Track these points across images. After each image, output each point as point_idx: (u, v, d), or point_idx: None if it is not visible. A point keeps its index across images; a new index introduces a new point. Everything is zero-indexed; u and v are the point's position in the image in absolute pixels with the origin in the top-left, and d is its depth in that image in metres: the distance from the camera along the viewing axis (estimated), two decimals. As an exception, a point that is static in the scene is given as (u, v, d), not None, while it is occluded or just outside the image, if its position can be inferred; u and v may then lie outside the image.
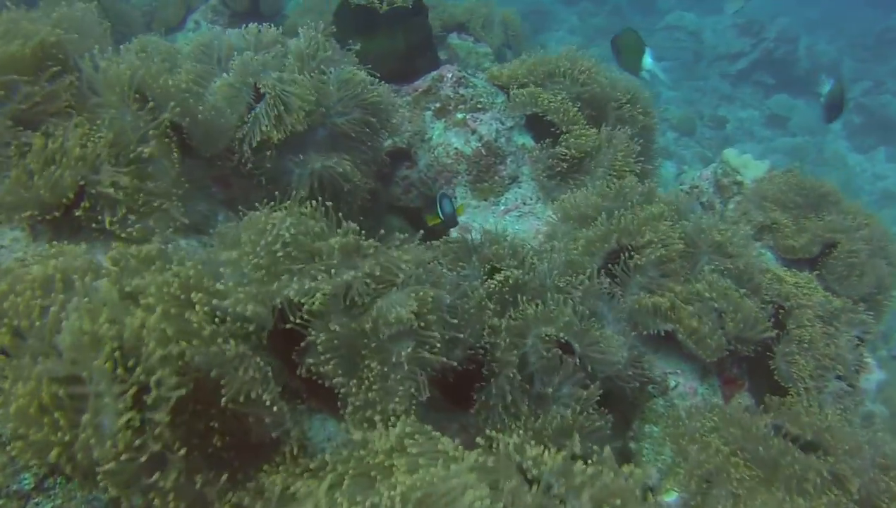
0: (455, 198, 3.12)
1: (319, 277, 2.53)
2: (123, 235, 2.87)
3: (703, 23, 17.31)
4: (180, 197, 3.04)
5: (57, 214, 2.87)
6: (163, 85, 3.07)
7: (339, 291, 2.56)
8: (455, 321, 2.89)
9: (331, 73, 3.88)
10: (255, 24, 4.10)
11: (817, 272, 4.58)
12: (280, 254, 2.58)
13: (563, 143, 4.32)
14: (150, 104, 3.08)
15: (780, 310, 3.99)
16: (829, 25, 20.59)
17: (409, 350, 2.61)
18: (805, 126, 14.02)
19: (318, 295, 2.50)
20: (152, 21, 8.10)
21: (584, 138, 4.32)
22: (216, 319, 2.33)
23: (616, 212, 3.89)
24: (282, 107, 3.56)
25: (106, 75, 3.05)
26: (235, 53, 3.68)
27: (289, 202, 2.90)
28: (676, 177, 9.89)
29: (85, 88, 3.08)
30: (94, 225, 2.91)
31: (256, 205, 2.94)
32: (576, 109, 4.44)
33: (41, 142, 2.86)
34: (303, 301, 2.50)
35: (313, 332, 2.52)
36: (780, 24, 16.22)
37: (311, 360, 2.54)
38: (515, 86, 4.67)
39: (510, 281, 3.36)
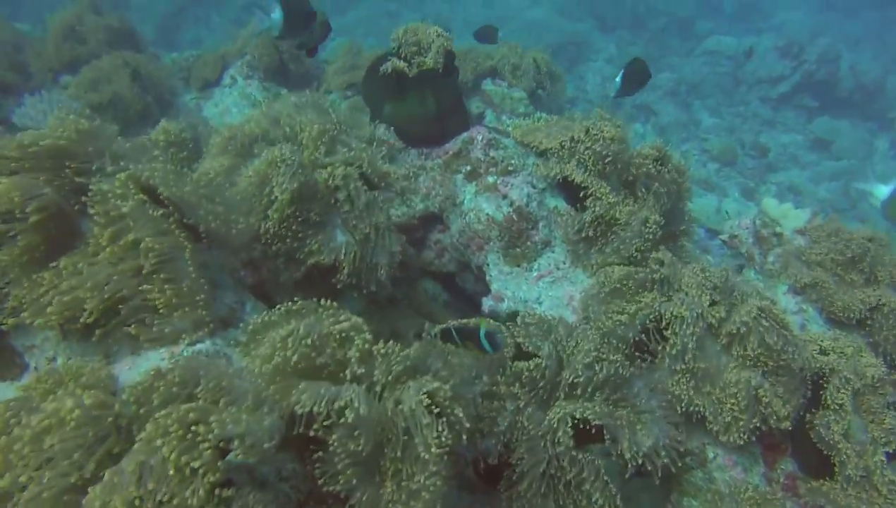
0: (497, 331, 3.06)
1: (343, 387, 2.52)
2: (150, 338, 2.89)
3: (742, 46, 17.07)
4: (203, 300, 3.02)
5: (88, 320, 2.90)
6: (175, 192, 3.08)
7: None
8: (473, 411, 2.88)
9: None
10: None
11: (866, 330, 4.46)
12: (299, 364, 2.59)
13: (590, 209, 4.26)
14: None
15: (822, 380, 3.88)
16: (873, 41, 20.19)
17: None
18: (850, 148, 13.70)
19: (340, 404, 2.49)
20: (190, 77, 8.24)
21: (610, 206, 4.27)
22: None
23: (650, 282, 3.85)
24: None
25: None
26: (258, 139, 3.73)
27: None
28: (717, 210, 9.71)
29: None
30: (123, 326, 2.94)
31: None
32: (605, 185, 4.38)
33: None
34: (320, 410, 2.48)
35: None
36: (821, 45, 15.90)
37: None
38: (541, 151, 4.65)
39: (538, 369, 3.34)
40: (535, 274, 4.39)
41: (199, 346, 2.88)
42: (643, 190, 4.52)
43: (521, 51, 8.07)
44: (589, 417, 3.22)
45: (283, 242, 3.65)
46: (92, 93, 6.83)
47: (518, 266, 4.44)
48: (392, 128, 5.00)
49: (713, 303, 3.79)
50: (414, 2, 19.10)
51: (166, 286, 2.88)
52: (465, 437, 2.64)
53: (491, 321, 3.32)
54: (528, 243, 4.46)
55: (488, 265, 4.48)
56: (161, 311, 2.86)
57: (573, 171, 4.34)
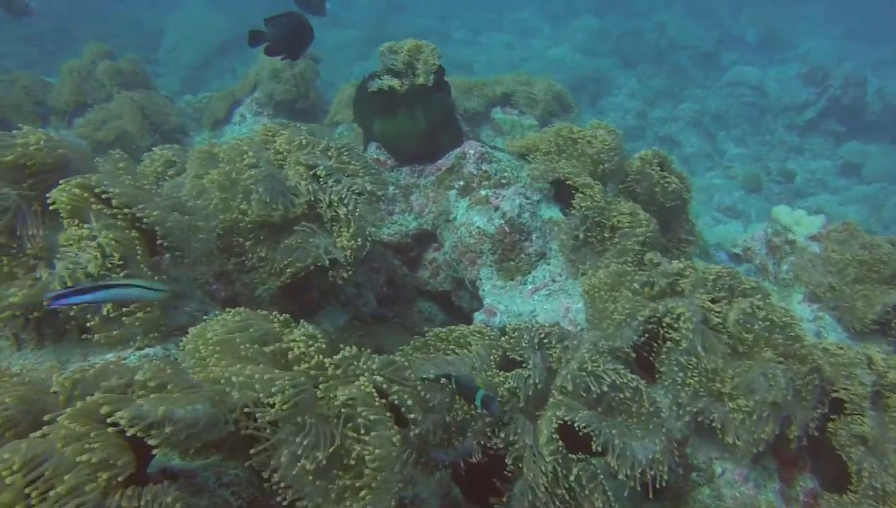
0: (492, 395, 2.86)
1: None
2: (102, 340, 2.73)
3: (765, 75, 16.81)
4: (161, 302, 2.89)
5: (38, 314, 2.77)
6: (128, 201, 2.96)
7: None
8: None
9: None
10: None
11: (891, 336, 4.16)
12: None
13: (580, 208, 4.04)
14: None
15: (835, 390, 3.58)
16: (900, 65, 19.81)
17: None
18: (880, 172, 13.29)
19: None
20: (202, 116, 8.24)
21: (604, 206, 4.04)
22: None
23: (648, 285, 3.60)
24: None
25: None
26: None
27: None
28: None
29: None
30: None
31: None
32: (597, 184, 4.17)
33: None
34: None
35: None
36: (846, 69, 15.60)
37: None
38: (537, 156, 4.46)
39: (519, 380, 3.11)
40: (529, 287, 4.16)
41: (147, 351, 2.71)
42: (642, 195, 4.30)
43: (533, 79, 7.93)
44: (576, 422, 2.97)
45: (256, 254, 3.49)
46: (99, 132, 6.83)
47: (512, 279, 4.21)
48: (383, 146, 4.85)
49: (715, 301, 3.53)
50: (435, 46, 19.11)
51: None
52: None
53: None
54: (522, 255, 4.24)
55: (481, 279, 4.27)
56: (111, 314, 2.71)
57: (564, 169, 4.13)
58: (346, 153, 4.02)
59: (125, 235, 2.90)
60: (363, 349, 2.76)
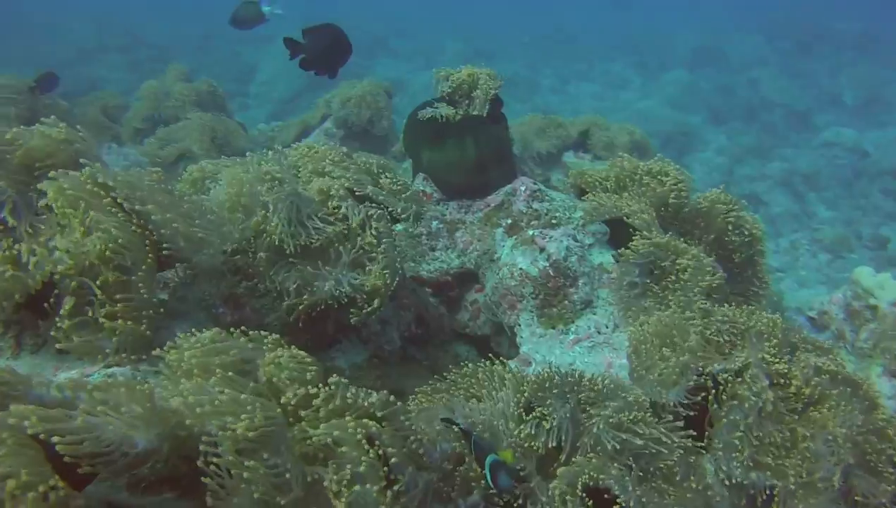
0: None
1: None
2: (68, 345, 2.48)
3: (863, 138, 15.92)
4: (150, 318, 2.62)
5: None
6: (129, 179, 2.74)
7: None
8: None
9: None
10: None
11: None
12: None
13: (634, 246, 3.63)
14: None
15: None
16: None
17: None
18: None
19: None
20: (272, 143, 8.15)
21: (656, 242, 3.62)
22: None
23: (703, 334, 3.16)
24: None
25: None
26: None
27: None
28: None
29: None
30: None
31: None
32: (660, 230, 3.76)
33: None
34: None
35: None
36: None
37: None
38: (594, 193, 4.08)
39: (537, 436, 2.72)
40: (571, 337, 3.74)
41: (114, 370, 2.43)
42: (709, 243, 3.87)
43: (613, 123, 7.55)
44: (601, 480, 2.56)
45: (269, 278, 3.21)
46: (163, 150, 6.78)
47: (553, 328, 3.81)
48: (431, 178, 4.54)
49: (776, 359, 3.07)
50: (523, 93, 18.96)
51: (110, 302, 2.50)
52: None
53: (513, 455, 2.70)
54: (566, 302, 3.84)
55: (520, 325, 3.87)
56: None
57: (622, 206, 3.74)
58: (386, 174, 3.74)
59: (130, 234, 2.67)
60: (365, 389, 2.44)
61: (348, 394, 2.32)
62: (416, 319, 3.75)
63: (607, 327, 3.76)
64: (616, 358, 3.58)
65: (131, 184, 2.81)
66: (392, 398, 2.45)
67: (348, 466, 2.16)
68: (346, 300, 3.24)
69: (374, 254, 3.32)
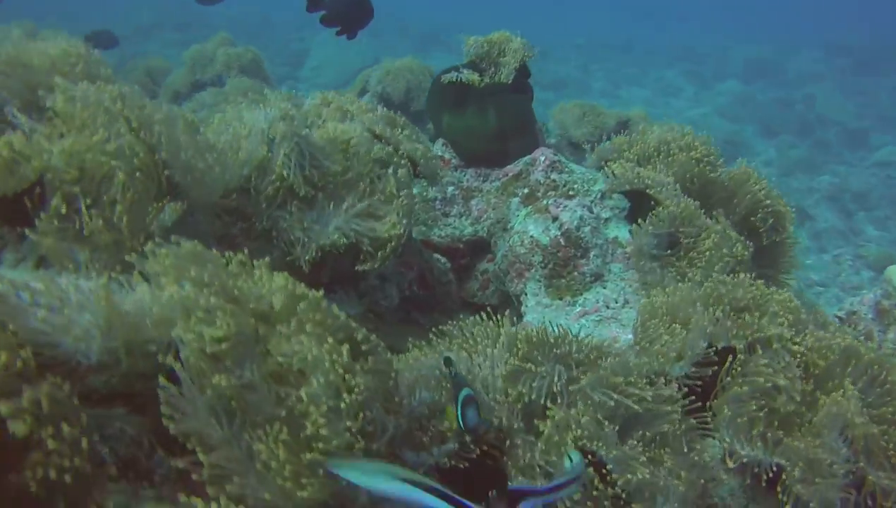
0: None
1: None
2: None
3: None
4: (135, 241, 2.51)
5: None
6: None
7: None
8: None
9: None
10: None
11: None
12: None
13: (654, 216, 3.46)
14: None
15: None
16: None
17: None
18: None
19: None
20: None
21: (678, 209, 3.44)
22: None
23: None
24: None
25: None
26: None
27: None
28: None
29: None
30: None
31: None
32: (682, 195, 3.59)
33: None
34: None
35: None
36: None
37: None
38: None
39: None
40: (578, 309, 3.57)
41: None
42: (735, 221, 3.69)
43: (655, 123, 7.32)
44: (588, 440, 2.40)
45: (270, 220, 3.11)
46: (201, 112, 6.75)
47: (560, 299, 3.64)
48: (450, 144, 4.40)
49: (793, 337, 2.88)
50: (573, 94, 18.68)
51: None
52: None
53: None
54: (575, 274, 3.67)
55: (526, 294, 3.72)
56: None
57: (644, 176, 3.56)
58: (405, 131, 3.62)
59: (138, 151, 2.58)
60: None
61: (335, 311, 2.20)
62: (418, 279, 3.62)
63: (616, 302, 3.58)
64: (623, 334, 3.40)
65: (143, 105, 2.73)
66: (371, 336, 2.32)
67: (322, 398, 2.03)
68: (342, 249, 3.12)
69: (390, 203, 3.21)
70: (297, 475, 1.91)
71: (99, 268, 2.40)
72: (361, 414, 2.14)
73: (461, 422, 2.24)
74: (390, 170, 3.26)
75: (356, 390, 2.13)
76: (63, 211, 2.41)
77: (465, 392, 2.30)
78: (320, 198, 3.22)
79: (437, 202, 4.22)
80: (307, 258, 3.08)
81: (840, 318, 4.57)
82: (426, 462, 2.39)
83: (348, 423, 2.05)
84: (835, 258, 11.43)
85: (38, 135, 2.53)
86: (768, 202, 3.79)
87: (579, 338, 2.85)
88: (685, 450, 2.65)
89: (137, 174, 2.57)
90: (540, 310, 3.61)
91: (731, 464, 2.71)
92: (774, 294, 3.12)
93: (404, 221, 3.15)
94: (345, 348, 2.14)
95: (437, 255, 4.15)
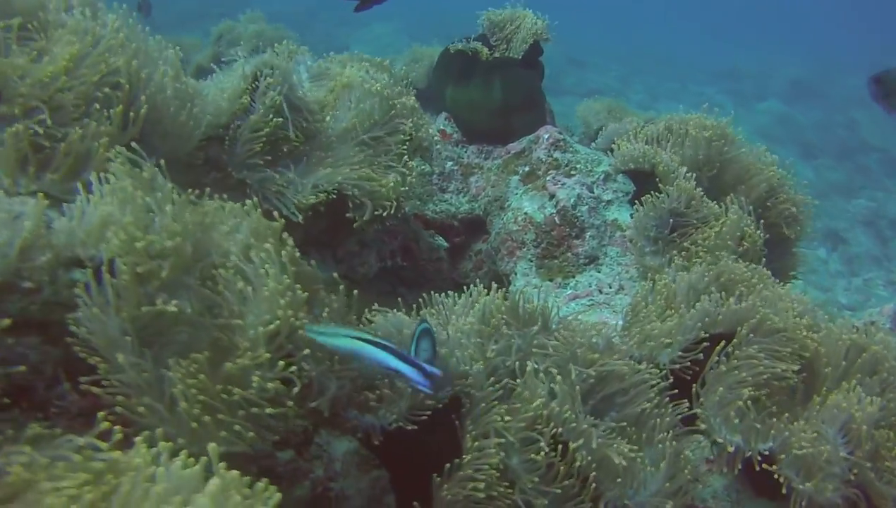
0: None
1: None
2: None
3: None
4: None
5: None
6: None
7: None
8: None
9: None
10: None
11: None
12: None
13: (656, 195, 3.22)
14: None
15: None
16: None
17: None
18: None
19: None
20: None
21: (684, 188, 3.20)
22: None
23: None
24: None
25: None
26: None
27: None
28: None
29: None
30: None
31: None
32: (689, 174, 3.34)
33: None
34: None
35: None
36: None
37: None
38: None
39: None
40: (569, 292, 3.33)
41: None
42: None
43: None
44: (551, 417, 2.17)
45: (250, 174, 2.93)
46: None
47: (551, 280, 3.41)
48: (453, 117, 4.19)
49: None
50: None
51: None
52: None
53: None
54: (569, 254, 3.43)
55: (516, 274, 3.49)
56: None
57: (654, 154, 3.32)
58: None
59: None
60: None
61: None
62: (402, 249, 3.40)
63: (611, 287, 3.34)
64: (614, 320, 3.15)
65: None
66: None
67: (261, 346, 1.85)
68: (323, 208, 2.93)
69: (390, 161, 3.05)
70: (212, 419, 1.72)
71: (47, 187, 2.24)
72: (295, 368, 1.95)
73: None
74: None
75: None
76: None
77: (422, 326, 2.09)
78: (305, 151, 3.05)
79: (435, 177, 4.02)
80: (285, 213, 2.89)
81: (857, 328, 4.27)
82: (371, 423, 2.18)
83: (274, 374, 1.86)
84: (865, 282, 11.01)
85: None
86: (786, 188, 3.53)
87: (560, 313, 2.63)
88: (667, 441, 2.41)
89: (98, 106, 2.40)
90: (528, 291, 3.37)
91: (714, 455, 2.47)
92: (776, 285, 2.88)
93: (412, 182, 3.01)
94: (300, 295, 1.96)
95: (432, 232, 3.94)
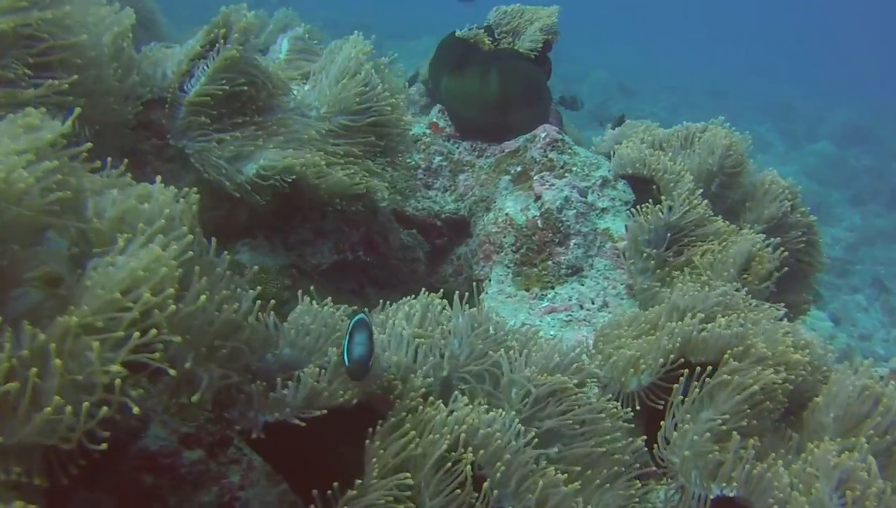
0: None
1: None
2: None
3: None
4: None
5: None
6: None
7: None
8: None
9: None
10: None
11: None
12: None
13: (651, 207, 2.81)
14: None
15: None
16: None
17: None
18: None
19: None
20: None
21: (688, 201, 2.79)
22: None
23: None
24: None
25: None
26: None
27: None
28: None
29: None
30: None
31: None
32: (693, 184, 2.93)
33: None
34: None
35: None
36: None
37: None
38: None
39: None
40: (545, 304, 2.93)
41: None
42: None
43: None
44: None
45: (193, 143, 2.60)
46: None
47: (527, 290, 3.00)
48: (447, 110, 3.82)
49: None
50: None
51: None
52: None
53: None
54: (550, 263, 3.03)
55: (490, 280, 3.10)
56: None
57: (656, 160, 2.93)
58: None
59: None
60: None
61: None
62: (364, 242, 3.03)
63: (594, 303, 2.93)
64: (590, 340, 2.75)
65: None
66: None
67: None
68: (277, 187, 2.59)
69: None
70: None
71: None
72: (159, 355, 1.59)
73: (346, 354, 1.73)
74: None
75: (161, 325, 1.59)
76: None
77: (358, 316, 1.81)
78: (257, 123, 2.72)
79: (420, 171, 3.65)
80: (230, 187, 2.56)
81: (882, 377, 3.80)
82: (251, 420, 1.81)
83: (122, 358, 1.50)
84: (907, 333, 10.37)
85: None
86: (802, 210, 3.10)
87: (513, 326, 2.24)
88: (623, 481, 2.01)
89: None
90: (501, 300, 2.98)
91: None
92: (777, 315, 2.44)
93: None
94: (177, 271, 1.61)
95: (413, 230, 3.58)
